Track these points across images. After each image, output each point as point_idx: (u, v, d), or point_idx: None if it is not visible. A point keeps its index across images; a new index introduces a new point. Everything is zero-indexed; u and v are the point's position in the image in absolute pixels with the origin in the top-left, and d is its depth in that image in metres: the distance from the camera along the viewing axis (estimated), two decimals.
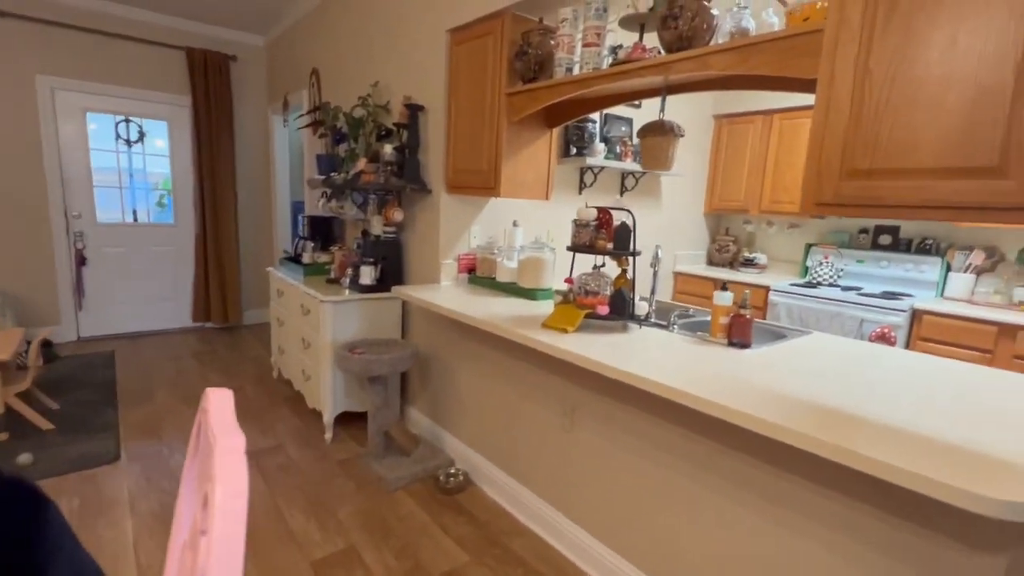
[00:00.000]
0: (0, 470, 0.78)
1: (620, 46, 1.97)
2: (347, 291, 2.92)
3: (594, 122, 3.01)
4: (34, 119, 4.07)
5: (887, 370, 1.53)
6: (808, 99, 3.53)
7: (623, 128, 3.38)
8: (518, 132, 2.32)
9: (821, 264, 3.57)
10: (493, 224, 2.86)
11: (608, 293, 1.87)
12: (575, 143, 3.03)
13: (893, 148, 1.13)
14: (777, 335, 1.98)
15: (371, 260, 2.89)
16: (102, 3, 4.16)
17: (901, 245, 3.46)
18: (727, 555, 1.50)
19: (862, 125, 1.18)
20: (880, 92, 1.15)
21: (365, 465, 2.62)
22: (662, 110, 1.91)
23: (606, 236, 1.86)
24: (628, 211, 1.85)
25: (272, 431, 2.98)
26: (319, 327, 2.79)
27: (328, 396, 2.83)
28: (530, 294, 2.41)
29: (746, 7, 1.49)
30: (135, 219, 4.68)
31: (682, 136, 1.88)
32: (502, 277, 2.59)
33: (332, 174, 3.28)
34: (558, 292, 1.95)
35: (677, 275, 4.15)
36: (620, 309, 1.84)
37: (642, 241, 3.79)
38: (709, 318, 2.18)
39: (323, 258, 3.51)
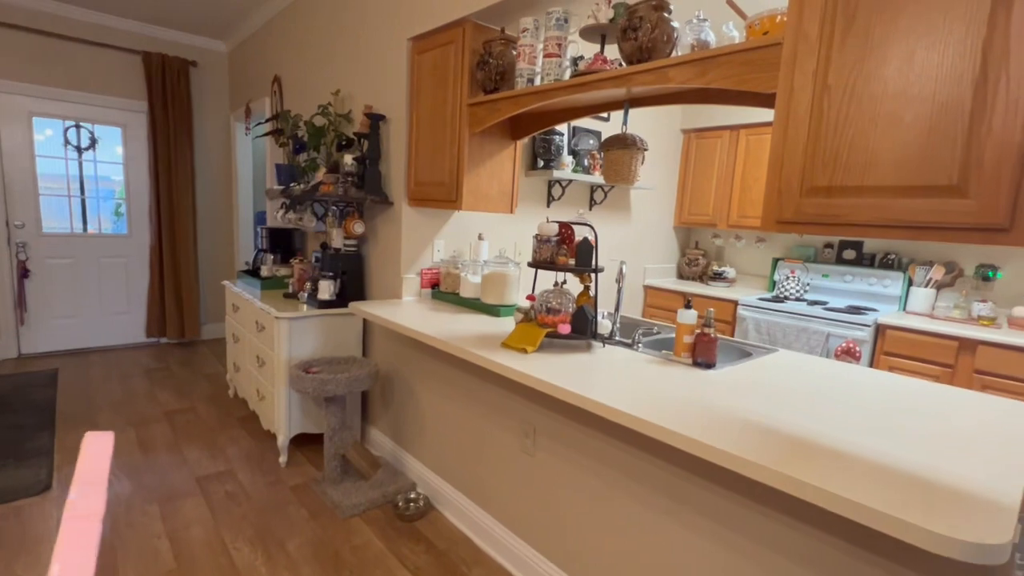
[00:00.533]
0: None
1: (581, 57, 1.93)
2: (305, 306, 2.79)
3: (562, 135, 2.97)
4: None
5: (850, 391, 1.49)
6: (771, 114, 3.58)
7: (591, 141, 3.35)
8: (481, 144, 2.25)
9: (788, 278, 3.59)
10: (458, 237, 2.78)
11: (571, 311, 1.80)
12: (542, 156, 2.98)
13: (852, 165, 1.10)
14: (743, 353, 1.94)
15: (330, 274, 2.78)
16: (52, 4, 3.97)
17: (865, 260, 3.50)
18: None
19: (821, 141, 1.14)
20: (839, 108, 1.11)
21: (320, 491, 2.49)
22: (625, 123, 1.87)
23: (568, 252, 1.79)
24: (590, 226, 1.79)
25: (222, 455, 2.81)
26: (274, 344, 2.65)
27: (283, 417, 2.68)
28: (493, 310, 2.33)
29: (706, 20, 1.46)
30: (85, 229, 4.45)
31: (646, 150, 1.84)
32: (466, 292, 2.51)
33: (292, 184, 3.16)
34: (519, 310, 1.88)
35: (647, 289, 4.13)
36: (583, 327, 1.78)
37: (612, 254, 3.76)
38: (674, 335, 2.13)
39: (283, 271, 3.37)
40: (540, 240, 1.81)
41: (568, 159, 3.03)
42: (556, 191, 3.22)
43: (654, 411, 1.25)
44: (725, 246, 4.31)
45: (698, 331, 1.71)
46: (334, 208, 2.98)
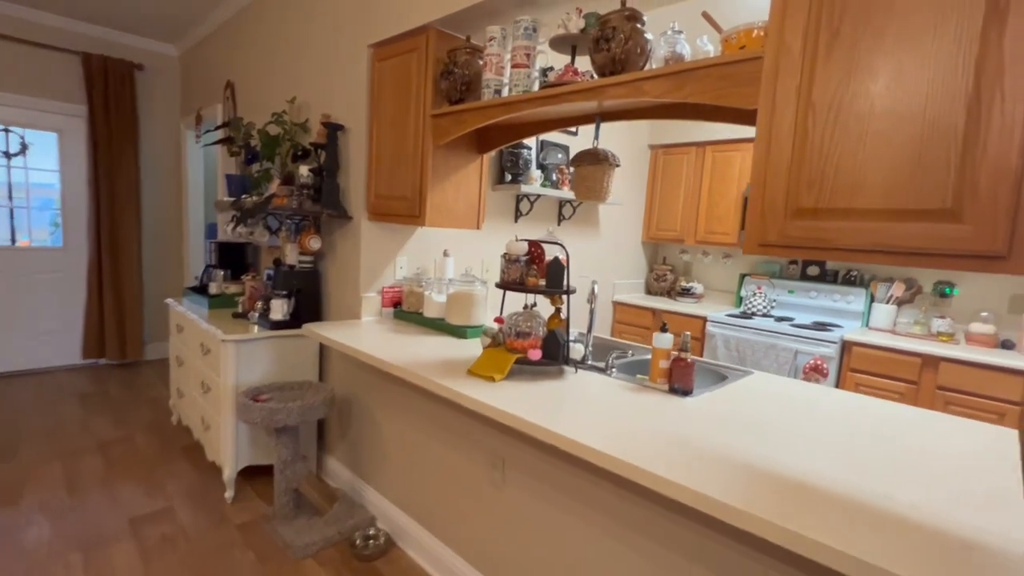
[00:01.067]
0: None
1: (551, 68, 1.85)
2: (256, 327, 2.59)
3: (530, 148, 2.89)
4: None
5: (833, 419, 1.43)
6: (739, 131, 3.61)
7: (559, 155, 3.28)
8: (446, 157, 2.14)
9: (755, 294, 3.59)
10: (422, 254, 2.64)
11: (541, 335, 1.70)
12: (510, 170, 2.89)
13: (840, 186, 1.04)
14: (719, 376, 1.88)
15: (284, 293, 2.59)
16: None
17: (828, 276, 3.54)
18: None
19: (806, 161, 1.08)
20: (824, 126, 1.05)
21: (270, 529, 2.28)
22: (596, 137, 1.79)
23: (538, 272, 1.69)
24: (561, 245, 1.70)
25: (161, 491, 2.56)
26: (220, 369, 2.44)
27: (229, 449, 2.47)
28: (459, 332, 2.20)
29: (681, 32, 1.40)
30: (14, 241, 4.09)
31: (618, 166, 1.77)
32: (430, 312, 2.37)
33: (243, 196, 2.96)
34: (486, 333, 1.76)
35: (616, 305, 4.08)
36: (554, 353, 1.67)
37: (581, 271, 3.69)
38: (648, 357, 2.05)
39: (233, 289, 3.15)
40: (508, 260, 1.70)
41: (536, 173, 2.95)
42: (524, 206, 3.13)
43: (631, 448, 1.15)
44: (692, 261, 4.31)
45: (674, 355, 1.63)
46: (289, 222, 2.80)
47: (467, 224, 2.29)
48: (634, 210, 4.16)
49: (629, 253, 4.20)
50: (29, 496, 2.46)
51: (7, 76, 3.87)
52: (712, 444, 1.20)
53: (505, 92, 1.83)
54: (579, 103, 1.58)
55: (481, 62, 1.90)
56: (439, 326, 2.30)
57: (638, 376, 1.85)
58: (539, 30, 1.73)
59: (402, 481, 2.24)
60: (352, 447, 2.57)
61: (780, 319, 3.40)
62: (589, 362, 1.85)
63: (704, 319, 3.53)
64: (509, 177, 2.93)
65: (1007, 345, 2.87)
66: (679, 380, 1.61)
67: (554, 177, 3.14)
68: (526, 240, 1.74)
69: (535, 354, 1.63)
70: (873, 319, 3.25)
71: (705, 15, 1.43)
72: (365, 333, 2.19)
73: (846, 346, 2.97)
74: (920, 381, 2.73)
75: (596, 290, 1.92)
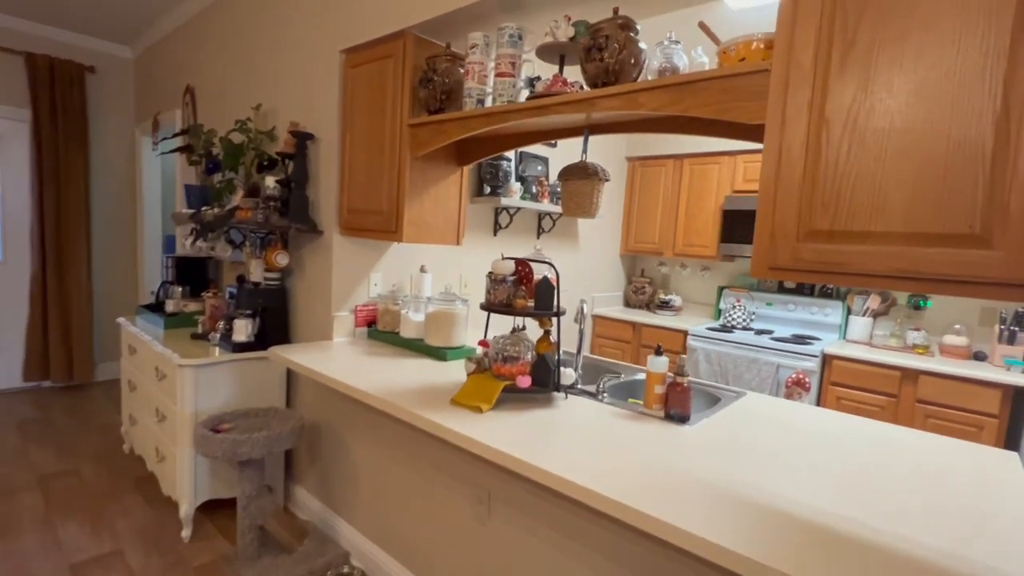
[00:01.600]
0: None
1: (538, 78, 1.76)
2: (217, 349, 2.41)
3: (509, 160, 2.80)
4: None
5: (833, 444, 1.37)
6: (716, 145, 3.61)
7: (539, 167, 3.20)
8: (424, 169, 2.02)
9: (734, 307, 3.58)
10: (398, 269, 2.51)
11: (530, 359, 1.59)
12: (489, 182, 2.79)
13: (857, 208, 0.97)
14: (712, 398, 1.81)
15: (248, 312, 2.42)
16: None
17: (805, 289, 3.56)
18: None
19: (820, 180, 1.01)
20: (839, 143, 0.99)
21: (232, 572, 2.09)
22: (584, 151, 1.71)
23: (526, 293, 1.59)
24: (550, 263, 1.60)
25: (110, 530, 2.33)
26: (176, 396, 2.25)
27: (186, 483, 2.26)
28: (439, 353, 2.08)
29: (678, 42, 1.33)
30: None
31: (607, 180, 1.69)
32: (407, 332, 2.24)
33: (203, 208, 2.77)
34: (470, 359, 1.64)
35: (596, 318, 4.01)
36: (544, 379, 1.57)
37: (561, 284, 3.60)
38: (639, 376, 1.98)
39: (192, 307, 2.94)
40: (494, 280, 1.60)
41: (516, 186, 2.86)
42: (503, 219, 3.03)
43: (630, 487, 1.05)
44: (671, 274, 4.29)
45: (670, 379, 1.55)
46: (254, 236, 2.63)
47: (446, 240, 2.17)
48: (612, 223, 4.12)
49: (608, 266, 4.15)
50: None
51: None
52: (718, 480, 1.12)
53: (488, 102, 1.74)
54: (568, 115, 1.50)
55: (462, 70, 1.80)
56: (417, 347, 2.17)
57: (630, 400, 1.76)
58: (525, 38, 1.64)
59: (378, 514, 2.09)
60: (323, 477, 2.40)
61: (760, 332, 3.39)
62: (579, 386, 1.75)
63: (685, 333, 3.49)
64: (488, 189, 2.83)
65: (979, 356, 2.91)
66: (676, 406, 1.53)
67: (534, 190, 3.06)
68: (513, 259, 1.64)
69: (524, 381, 1.52)
70: (850, 331, 3.27)
71: (702, 25, 1.37)
72: (337, 356, 2.04)
73: (827, 360, 2.97)
74: (900, 395, 2.74)
75: (586, 310, 1.83)
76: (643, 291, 4.24)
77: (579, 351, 1.85)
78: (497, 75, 1.65)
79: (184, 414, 2.22)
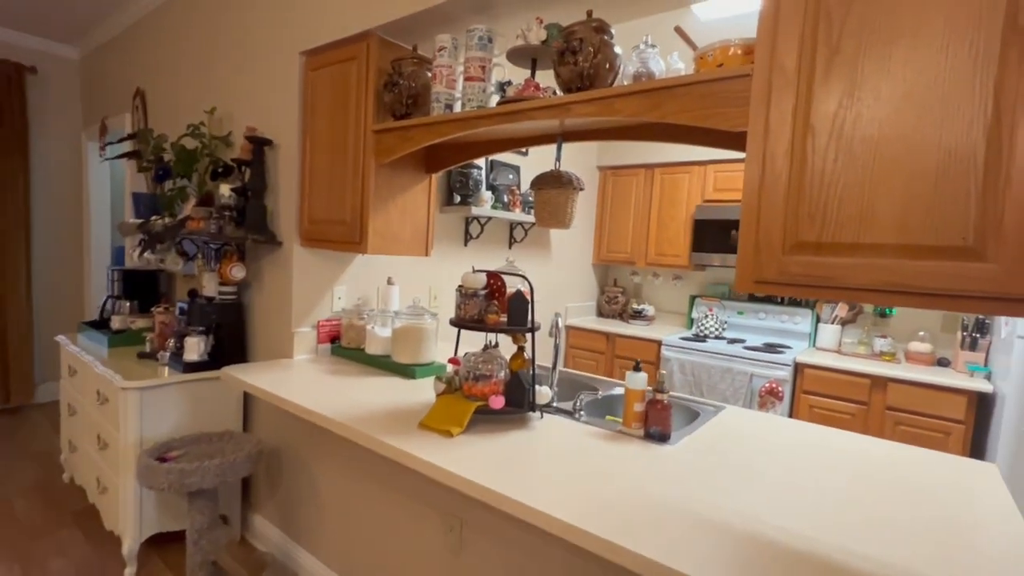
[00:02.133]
0: None
1: (509, 82, 1.69)
2: (167, 370, 2.24)
3: (480, 168, 2.73)
4: None
5: (821, 463, 1.33)
6: (687, 154, 3.61)
7: (511, 176, 3.14)
8: (390, 177, 1.92)
9: (706, 316, 3.58)
10: (364, 282, 2.39)
11: (503, 378, 1.51)
12: (459, 191, 2.71)
13: (845, 219, 0.93)
14: (692, 413, 1.76)
15: (201, 329, 2.25)
16: None
17: (775, 297, 3.59)
18: None
19: (806, 190, 0.97)
20: (825, 152, 0.94)
21: None
22: (558, 159, 1.65)
23: (498, 307, 1.51)
24: (523, 276, 1.53)
25: (41, 570, 2.12)
26: (119, 422, 2.07)
27: (130, 516, 2.08)
28: (407, 371, 1.97)
29: (655, 46, 1.28)
30: None
31: (582, 189, 1.63)
32: (373, 348, 2.12)
33: (153, 218, 2.60)
34: (439, 379, 1.55)
35: (569, 329, 3.96)
36: (519, 399, 1.48)
37: (535, 296, 3.53)
38: (617, 391, 1.91)
39: (141, 323, 2.74)
40: (465, 294, 1.51)
41: (487, 195, 2.78)
42: (474, 229, 2.95)
43: (611, 518, 0.98)
44: (643, 283, 4.28)
45: (650, 394, 1.49)
46: (209, 248, 2.47)
47: (414, 251, 2.07)
48: (584, 232, 4.08)
49: (580, 276, 4.10)
50: None
51: None
52: (705, 509, 1.05)
53: (457, 107, 1.66)
54: (542, 121, 1.43)
55: (430, 74, 1.72)
56: (384, 364, 2.06)
57: (609, 418, 1.69)
58: (495, 40, 1.57)
59: (343, 544, 1.96)
60: (284, 504, 2.25)
61: (733, 341, 3.39)
62: (555, 404, 1.67)
63: (659, 343, 3.47)
64: (458, 198, 2.74)
65: (943, 363, 2.97)
66: (656, 423, 1.47)
67: (505, 199, 2.99)
68: (484, 271, 1.55)
69: (497, 402, 1.43)
70: (820, 339, 3.30)
71: (678, 30, 1.32)
72: (297, 375, 1.91)
73: (799, 368, 2.98)
74: (870, 402, 2.76)
75: (560, 323, 1.76)
76: (616, 301, 4.21)
77: (555, 366, 1.77)
78: (466, 79, 1.58)
79: (128, 442, 2.04)
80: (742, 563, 0.87)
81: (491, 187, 2.99)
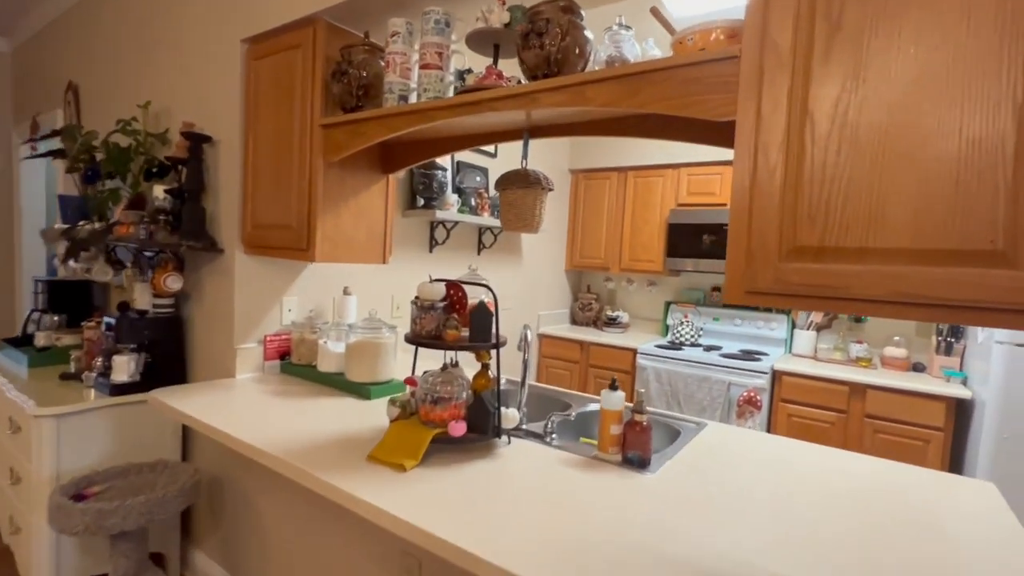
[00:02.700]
0: None
1: (469, 70, 1.55)
2: (92, 392, 2.00)
3: (444, 170, 2.57)
4: None
5: (805, 482, 1.21)
6: (659, 156, 3.52)
7: (478, 178, 2.99)
8: (341, 177, 1.75)
9: (682, 323, 3.49)
10: (318, 291, 2.20)
11: (464, 399, 1.34)
12: (422, 193, 2.54)
13: (851, 220, 0.80)
14: (672, 432, 1.62)
15: (132, 347, 2.02)
16: None
17: None
18: None
19: (805, 187, 0.84)
20: (826, 142, 0.82)
21: None
22: (524, 156, 1.50)
23: (459, 321, 1.34)
24: (487, 286, 1.37)
25: None
26: (32, 453, 1.82)
27: (46, 560, 1.83)
28: (362, 391, 1.79)
29: (629, 28, 1.15)
30: None
31: (550, 190, 1.48)
32: (325, 365, 1.93)
33: (81, 222, 2.35)
34: (393, 403, 1.37)
35: (542, 337, 3.81)
36: (482, 424, 1.32)
37: (503, 303, 3.38)
38: (592, 408, 1.77)
39: (69, 339, 2.48)
40: (421, 307, 1.34)
41: (453, 198, 2.62)
42: (440, 234, 2.78)
43: (583, 565, 0.83)
44: (617, 289, 4.18)
45: (627, 418, 1.35)
46: (145, 256, 2.23)
47: (370, 258, 1.89)
48: (557, 237, 3.96)
49: (553, 282, 3.97)
50: None
51: None
52: (689, 551, 0.91)
53: (413, 98, 1.49)
54: (505, 113, 1.28)
55: (383, 62, 1.55)
56: (337, 383, 1.87)
57: (583, 440, 1.54)
58: (453, 25, 1.42)
59: None
60: (227, 539, 2.02)
61: (709, 348, 3.30)
62: (525, 426, 1.52)
63: (634, 351, 3.35)
64: (422, 201, 2.57)
65: (918, 368, 2.94)
66: (635, 447, 1.32)
67: (473, 202, 2.83)
68: (443, 280, 1.39)
69: (458, 428, 1.26)
70: (796, 346, 3.24)
71: (654, 12, 1.19)
72: (238, 398, 1.71)
73: (776, 376, 2.90)
74: (849, 410, 2.70)
75: (530, 336, 1.61)
76: (590, 308, 4.09)
77: (523, 383, 1.62)
78: (422, 67, 1.42)
79: (41, 476, 1.80)
80: None
81: (458, 190, 2.83)
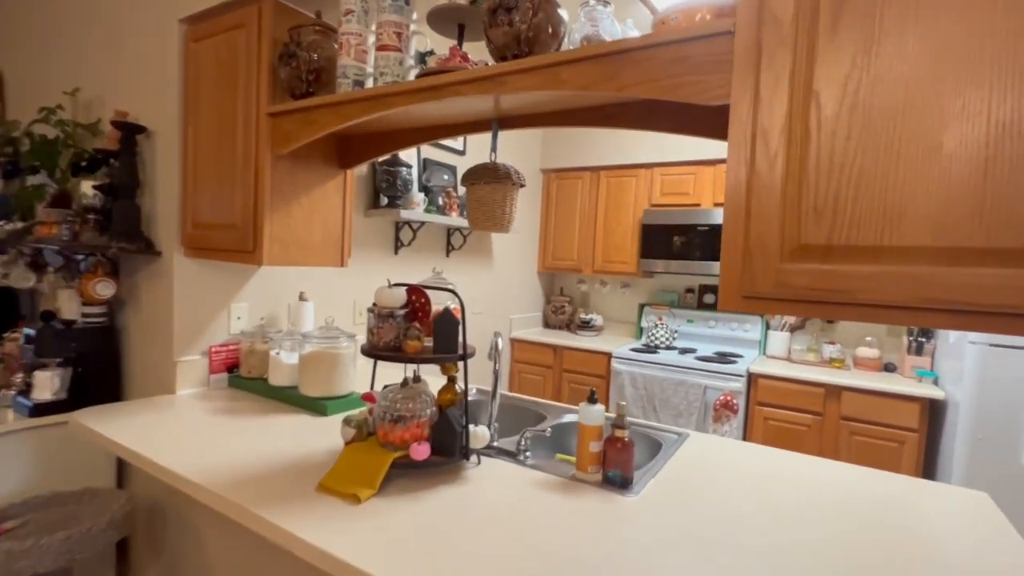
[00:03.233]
0: None
1: (431, 52, 1.41)
2: (10, 413, 1.77)
3: (410, 167, 2.42)
4: None
5: (799, 498, 1.12)
6: (630, 156, 3.45)
7: (446, 176, 2.85)
8: (292, 171, 1.59)
9: (656, 326, 3.42)
10: (271, 297, 2.02)
11: (428, 417, 1.21)
12: (387, 191, 2.39)
13: (864, 215, 0.71)
14: (653, 444, 1.52)
15: (57, 361, 1.81)
16: None
17: None
18: None
19: (810, 178, 0.74)
20: (835, 126, 0.72)
21: None
22: (493, 149, 1.38)
23: (422, 330, 1.21)
24: (453, 291, 1.24)
25: None
26: None
27: None
28: (317, 406, 1.63)
29: (608, 3, 1.04)
30: None
31: (522, 185, 1.36)
32: (278, 378, 1.76)
33: (1, 222, 2.11)
34: (349, 423, 1.22)
35: (515, 342, 3.69)
36: (448, 444, 1.19)
37: (474, 306, 3.24)
38: (567, 419, 1.65)
39: None
40: (379, 315, 1.20)
41: (419, 197, 2.48)
42: (406, 235, 2.63)
43: None
44: (590, 292, 4.09)
45: (608, 434, 1.23)
46: (75, 260, 2.01)
47: (326, 260, 1.74)
48: (529, 238, 3.85)
49: (524, 285, 3.86)
50: None
51: None
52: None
53: (369, 83, 1.35)
54: (472, 100, 1.16)
55: (336, 45, 1.40)
56: (290, 398, 1.70)
57: (559, 457, 1.43)
58: (413, 2, 1.28)
59: None
60: (170, 570, 1.83)
61: (684, 351, 3.24)
62: (495, 443, 1.39)
63: (609, 355, 3.26)
64: (386, 201, 2.42)
65: (890, 368, 2.94)
66: (616, 465, 1.21)
67: (440, 201, 2.69)
68: (403, 285, 1.25)
69: (421, 451, 1.13)
70: (770, 347, 3.21)
71: None
72: (177, 417, 1.53)
73: (752, 379, 2.85)
74: (825, 412, 2.66)
75: (500, 344, 1.48)
76: (563, 311, 3.99)
77: (494, 395, 1.49)
78: (379, 49, 1.28)
79: None
80: None
81: (424, 188, 2.68)
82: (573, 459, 1.36)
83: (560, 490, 1.17)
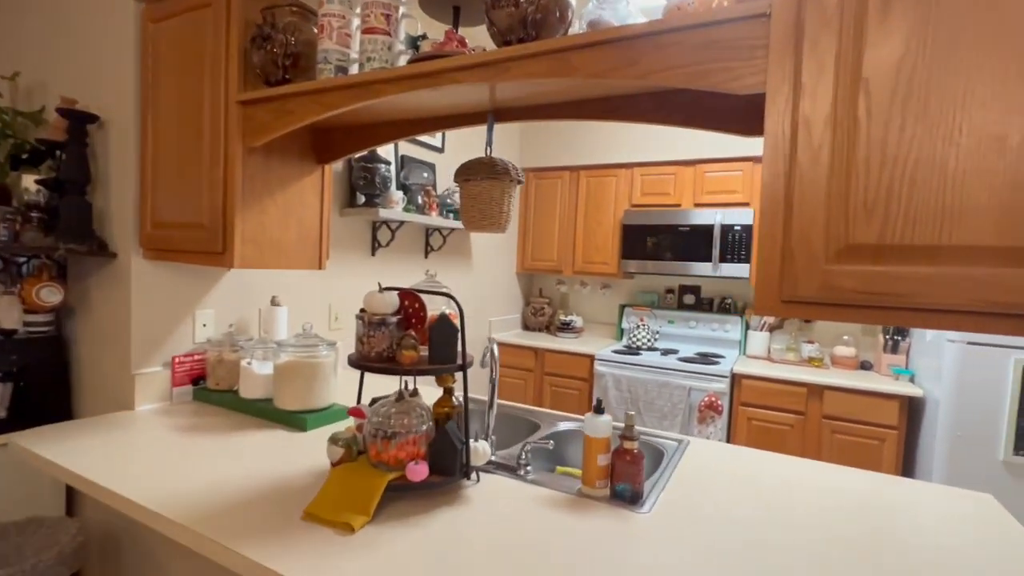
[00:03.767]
0: None
1: (423, 36, 1.31)
2: None
3: (388, 164, 2.30)
4: None
5: (809, 505, 1.08)
6: (611, 155, 3.41)
7: (425, 174, 2.74)
8: (266, 166, 1.46)
9: (638, 327, 3.39)
10: (240, 302, 1.87)
11: (425, 433, 1.11)
12: (363, 189, 2.26)
13: (919, 212, 0.65)
14: (654, 452, 1.46)
15: None
16: None
17: (704, 304, 3.49)
18: None
19: (859, 173, 0.68)
20: (887, 116, 0.66)
21: None
22: (489, 143, 1.29)
23: (417, 339, 1.11)
24: (449, 295, 1.14)
25: None
26: None
27: None
28: (295, 421, 1.50)
29: None
30: None
31: (520, 182, 1.28)
32: (250, 391, 1.63)
33: None
34: (336, 442, 1.11)
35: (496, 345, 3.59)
36: (448, 463, 1.09)
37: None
38: (563, 428, 1.58)
39: None
40: (369, 323, 1.09)
41: (398, 195, 2.36)
42: (384, 235, 2.51)
43: None
44: (570, 293, 4.04)
45: (615, 446, 1.16)
46: (15, 263, 1.82)
47: (303, 262, 1.61)
48: (508, 238, 3.76)
49: (504, 286, 3.77)
50: None
51: None
52: None
53: (354, 70, 1.24)
54: (468, 87, 1.07)
55: (315, 27, 1.29)
56: (264, 412, 1.57)
57: (560, 471, 1.35)
58: None
59: None
60: None
61: (666, 352, 3.22)
62: (495, 458, 1.30)
63: (591, 358, 3.21)
64: (363, 199, 2.29)
65: (866, 366, 2.98)
66: (625, 479, 1.14)
67: (419, 200, 2.57)
68: (396, 289, 1.15)
69: (418, 472, 1.03)
70: (750, 347, 3.22)
71: None
72: (135, 438, 1.37)
73: (735, 379, 2.85)
74: (807, 412, 2.68)
75: (495, 350, 1.40)
76: (542, 312, 3.92)
77: (491, 405, 1.40)
78: (365, 32, 1.17)
79: None
80: None
81: (403, 187, 2.56)
82: (576, 472, 1.28)
83: (568, 508, 1.09)
